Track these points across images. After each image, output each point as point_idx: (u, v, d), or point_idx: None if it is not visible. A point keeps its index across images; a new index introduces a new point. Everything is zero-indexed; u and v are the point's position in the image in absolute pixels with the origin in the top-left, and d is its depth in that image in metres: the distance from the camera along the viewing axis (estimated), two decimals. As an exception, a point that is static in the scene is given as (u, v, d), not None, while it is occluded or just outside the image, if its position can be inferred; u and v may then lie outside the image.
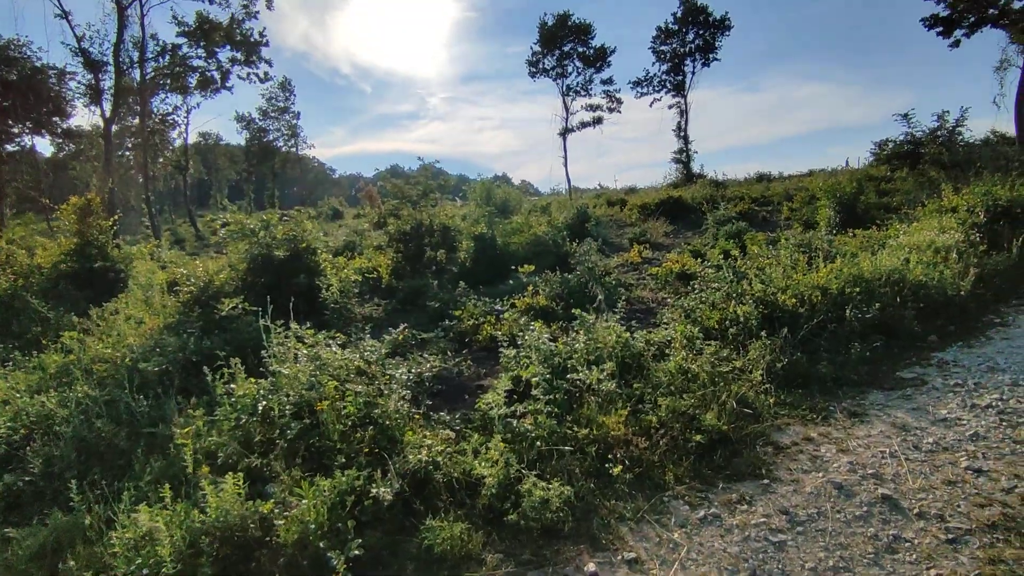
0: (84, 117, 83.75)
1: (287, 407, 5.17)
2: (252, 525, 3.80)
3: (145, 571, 3.42)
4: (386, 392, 5.48)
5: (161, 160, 49.81)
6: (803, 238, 11.10)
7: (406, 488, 4.27)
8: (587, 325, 7.09)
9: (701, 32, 39.96)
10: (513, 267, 12.86)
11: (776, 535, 3.84)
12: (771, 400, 5.79)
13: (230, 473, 3.96)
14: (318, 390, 5.33)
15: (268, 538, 3.77)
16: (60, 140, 36.99)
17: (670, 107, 42.17)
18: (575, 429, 5.08)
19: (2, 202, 34.38)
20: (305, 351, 6.00)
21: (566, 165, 45.38)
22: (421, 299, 11.62)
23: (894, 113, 24.99)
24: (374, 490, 4.12)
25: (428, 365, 6.60)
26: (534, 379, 5.71)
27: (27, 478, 5.29)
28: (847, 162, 31.84)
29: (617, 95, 44.14)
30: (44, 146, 47.07)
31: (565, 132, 45.08)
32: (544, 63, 44.01)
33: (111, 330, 8.99)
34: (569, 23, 41.98)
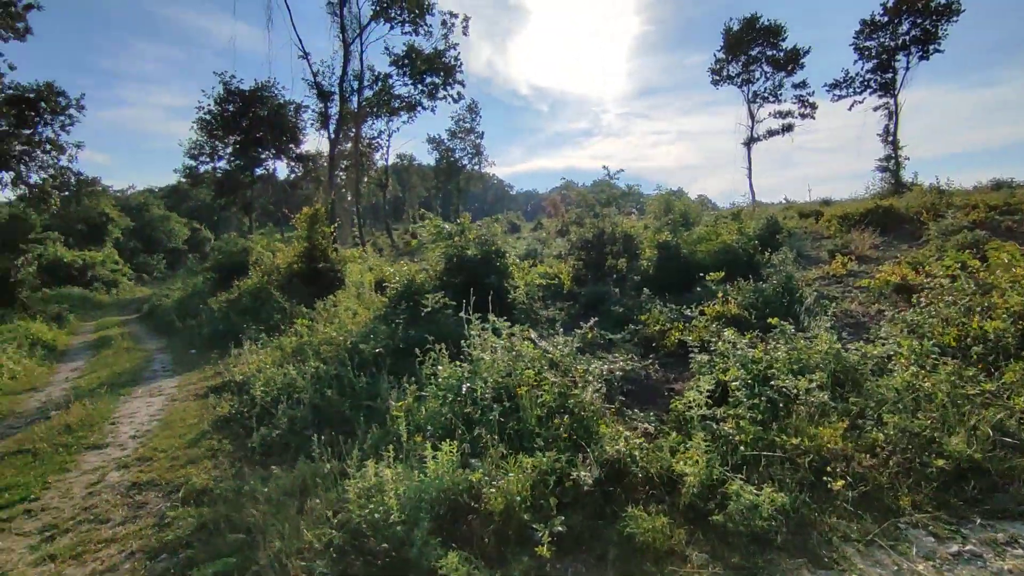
0: (312, 143, 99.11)
1: (488, 391, 5.49)
2: (463, 491, 4.06)
3: (376, 515, 3.83)
4: (581, 384, 5.54)
5: (366, 179, 56.42)
6: (1075, 247, 9.05)
7: (604, 476, 4.26)
8: (788, 334, 6.52)
9: (919, 21, 34.94)
10: (698, 275, 12.37)
11: (1064, 587, 3.14)
12: (1041, 431, 4.77)
13: (446, 441, 4.29)
14: (516, 377, 5.57)
15: (477, 505, 4.00)
16: (293, 163, 44.00)
17: (875, 109, 37.39)
18: (783, 438, 4.67)
19: (251, 215, 41.87)
20: (501, 342, 6.32)
21: (750, 176, 42.54)
22: (603, 305, 11.62)
23: None
24: (574, 473, 4.17)
25: (620, 364, 6.55)
26: (733, 384, 5.37)
27: (277, 432, 6.28)
28: None
29: (810, 100, 40.44)
30: (281, 170, 56.28)
31: (750, 142, 42.33)
32: (728, 70, 41.88)
33: (334, 318, 10.36)
34: (758, 25, 39.48)
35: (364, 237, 42.43)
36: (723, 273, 9.80)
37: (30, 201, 23.07)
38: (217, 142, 41.44)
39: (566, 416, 5.04)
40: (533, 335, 6.50)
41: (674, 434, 4.98)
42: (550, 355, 6.23)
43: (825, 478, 4.21)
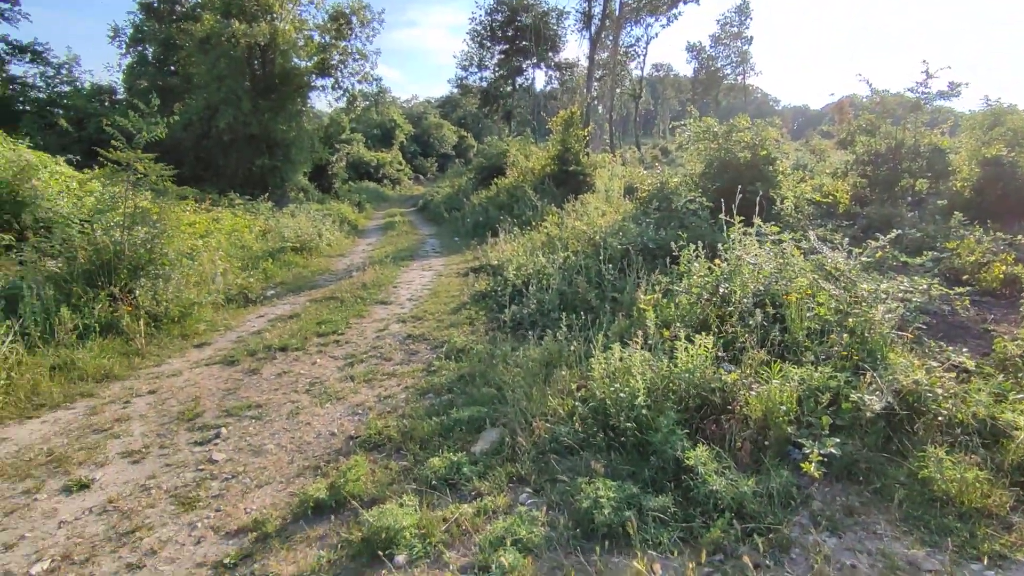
0: (570, 50, 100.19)
1: (748, 296, 4.94)
2: (715, 389, 3.75)
3: (622, 395, 3.76)
4: (866, 304, 4.64)
5: (619, 91, 54.88)
6: None
7: (896, 407, 3.53)
8: None
9: None
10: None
11: None
12: None
13: (702, 333, 3.97)
14: (784, 285, 4.90)
15: (731, 407, 3.67)
16: (551, 72, 44.84)
17: None
18: None
19: (510, 124, 44.45)
20: (768, 247, 5.61)
21: None
22: (890, 229, 9.64)
23: None
24: (854, 396, 3.53)
25: (920, 289, 5.34)
26: (1109, 330, 3.94)
27: (526, 311, 6.63)
28: None
29: None
30: (538, 81, 57.63)
31: None
32: None
33: (583, 216, 10.45)
34: None
35: (616, 147, 41.97)
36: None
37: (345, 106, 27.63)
38: (484, 52, 44.01)
39: (845, 334, 4.28)
40: (813, 238, 5.60)
41: (999, 376, 3.90)
42: (827, 267, 5.33)
43: None
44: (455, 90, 52.29)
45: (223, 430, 4.52)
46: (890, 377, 3.70)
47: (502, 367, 5.02)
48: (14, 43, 22.81)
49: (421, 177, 51.69)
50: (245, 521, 3.33)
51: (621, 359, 4.13)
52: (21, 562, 3.02)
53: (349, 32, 25.12)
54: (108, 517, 3.42)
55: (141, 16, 25.63)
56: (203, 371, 5.94)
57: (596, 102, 54.46)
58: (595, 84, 47.72)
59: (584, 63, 37.46)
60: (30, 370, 5.36)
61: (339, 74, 25.16)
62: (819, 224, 11.22)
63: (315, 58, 24.11)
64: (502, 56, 43.07)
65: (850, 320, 4.43)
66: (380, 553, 2.86)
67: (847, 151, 13.90)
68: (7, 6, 21.98)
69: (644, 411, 3.64)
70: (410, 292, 9.07)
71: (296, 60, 23.23)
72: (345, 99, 26.32)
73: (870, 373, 3.76)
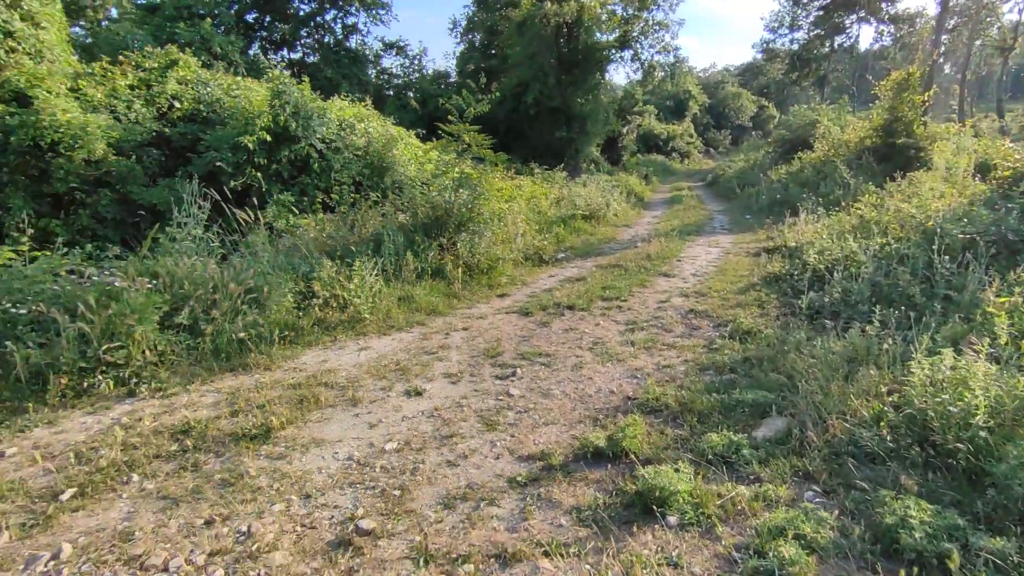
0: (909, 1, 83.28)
1: None
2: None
3: (951, 409, 3.16)
4: None
5: (978, 43, 43.41)
6: None
7: None
8: None
9: None
10: None
11: None
12: None
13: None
14: None
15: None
16: (882, 27, 37.63)
17: None
18: None
19: (824, 90, 39.12)
20: None
21: None
22: None
23: None
24: None
25: None
26: None
27: (827, 299, 5.96)
28: None
29: None
30: (863, 38, 48.90)
31: None
32: None
33: (911, 197, 8.79)
34: None
35: (966, 112, 33.75)
36: None
37: (642, 78, 27.86)
38: (799, 9, 39.18)
39: None
40: None
41: None
42: None
43: None
44: (759, 55, 48.12)
45: (518, 370, 5.16)
46: None
47: (794, 355, 4.64)
48: (387, 42, 28.68)
49: (711, 150, 49.32)
50: (534, 450, 3.80)
51: (954, 368, 3.46)
52: (379, 439, 3.98)
53: (652, 3, 24.98)
54: (434, 421, 4.26)
55: (474, 8, 29.53)
56: (503, 318, 6.83)
57: (942, 59, 44.26)
58: (944, 37, 38.64)
59: (932, 11, 30.56)
60: (386, 299, 6.89)
61: (638, 46, 25.34)
62: None
63: (616, 31, 24.67)
64: (820, 12, 37.73)
65: None
66: (654, 508, 2.99)
67: None
68: (383, 12, 27.57)
69: (982, 433, 3.01)
70: (694, 267, 8.92)
71: (598, 35, 24.12)
72: (642, 71, 26.42)
73: None
